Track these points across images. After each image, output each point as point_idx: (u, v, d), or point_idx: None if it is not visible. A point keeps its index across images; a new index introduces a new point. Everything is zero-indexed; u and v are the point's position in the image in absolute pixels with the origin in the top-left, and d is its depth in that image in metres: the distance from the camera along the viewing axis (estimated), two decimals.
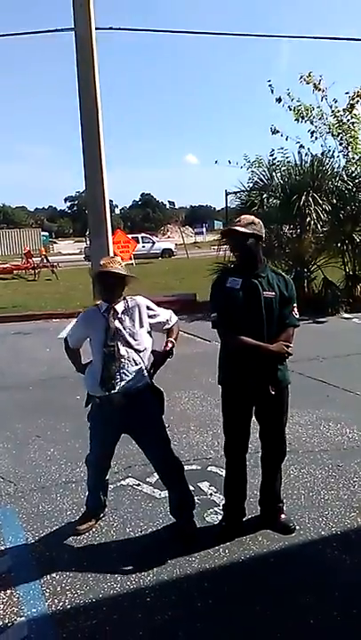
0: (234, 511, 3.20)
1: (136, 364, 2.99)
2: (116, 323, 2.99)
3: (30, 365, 7.47)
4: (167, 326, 3.17)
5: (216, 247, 12.32)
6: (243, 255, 3.02)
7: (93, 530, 3.26)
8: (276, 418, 3.13)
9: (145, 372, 3.03)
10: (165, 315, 3.18)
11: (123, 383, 2.95)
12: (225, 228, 3.02)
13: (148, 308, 3.11)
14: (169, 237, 50.23)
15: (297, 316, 3.07)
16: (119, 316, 3.01)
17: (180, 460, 3.24)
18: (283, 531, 3.13)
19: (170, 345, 3.09)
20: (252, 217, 3.06)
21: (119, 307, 3.03)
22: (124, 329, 2.99)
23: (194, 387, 5.95)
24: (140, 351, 3.02)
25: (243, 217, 3.06)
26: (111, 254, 13.65)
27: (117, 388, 2.94)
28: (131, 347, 2.98)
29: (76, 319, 3.28)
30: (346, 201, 11.13)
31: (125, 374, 2.96)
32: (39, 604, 2.63)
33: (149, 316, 3.09)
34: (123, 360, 2.96)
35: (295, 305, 3.07)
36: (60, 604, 2.62)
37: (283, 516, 3.21)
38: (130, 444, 3.38)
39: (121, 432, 3.14)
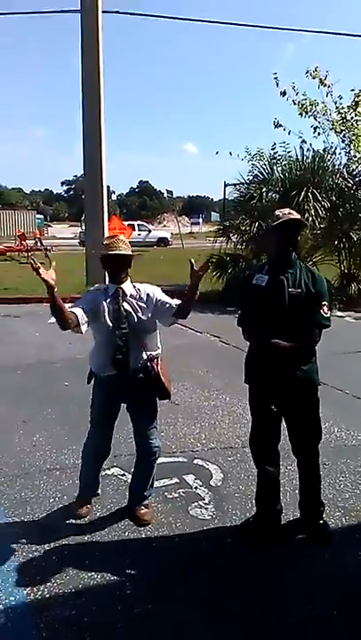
0: (264, 517, 3.11)
1: (142, 346, 3.04)
2: (125, 305, 2.99)
3: (19, 349, 7.39)
4: (175, 308, 3.05)
5: (212, 239, 12.30)
6: (289, 248, 2.88)
7: (75, 519, 3.22)
8: (302, 418, 2.98)
9: (150, 353, 3.08)
10: (175, 301, 3.11)
11: (131, 363, 2.99)
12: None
13: (156, 293, 3.09)
14: (165, 226, 49.97)
15: (326, 315, 2.87)
16: (127, 298, 3.02)
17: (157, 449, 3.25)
18: (320, 540, 3.00)
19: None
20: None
21: (127, 288, 3.04)
22: (133, 311, 2.99)
23: (184, 378, 5.90)
24: (148, 333, 3.07)
25: (289, 210, 2.92)
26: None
27: (128, 367, 2.99)
28: (139, 329, 3.01)
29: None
30: (345, 199, 11.11)
31: (134, 355, 3.00)
32: (17, 591, 2.59)
33: (158, 300, 3.05)
34: (132, 341, 2.98)
35: (325, 303, 2.88)
36: (39, 592, 2.58)
37: (321, 522, 3.10)
38: (116, 433, 3.35)
39: (120, 405, 3.22)
